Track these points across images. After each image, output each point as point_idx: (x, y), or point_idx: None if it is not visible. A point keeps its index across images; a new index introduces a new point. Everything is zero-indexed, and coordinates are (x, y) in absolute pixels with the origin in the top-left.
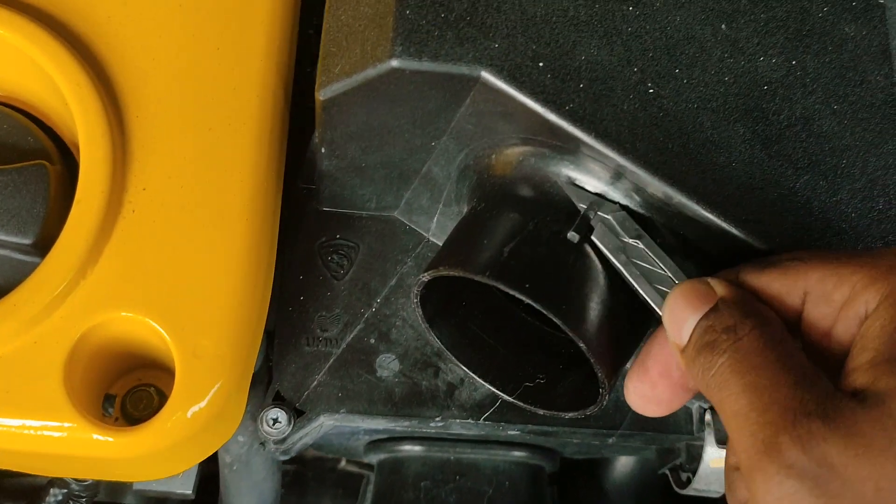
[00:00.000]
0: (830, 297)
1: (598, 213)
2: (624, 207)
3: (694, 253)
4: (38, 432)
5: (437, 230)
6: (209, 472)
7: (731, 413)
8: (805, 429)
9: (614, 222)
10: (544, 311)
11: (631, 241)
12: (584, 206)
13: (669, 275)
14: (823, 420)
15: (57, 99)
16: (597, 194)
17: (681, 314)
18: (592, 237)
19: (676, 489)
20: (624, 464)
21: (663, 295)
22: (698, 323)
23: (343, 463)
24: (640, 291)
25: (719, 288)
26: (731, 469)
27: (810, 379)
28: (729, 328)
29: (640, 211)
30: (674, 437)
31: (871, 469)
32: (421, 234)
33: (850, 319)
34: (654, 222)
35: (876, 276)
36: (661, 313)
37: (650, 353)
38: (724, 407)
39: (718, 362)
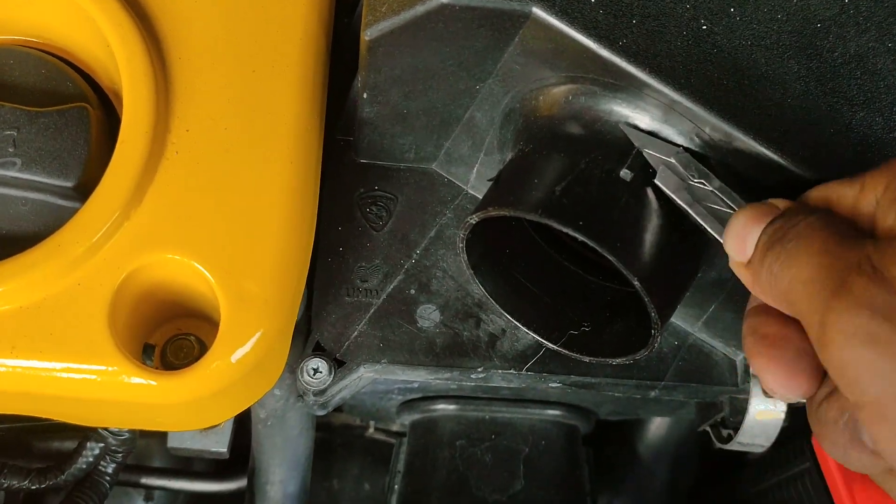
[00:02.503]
0: (875, 189)
1: (661, 155)
2: (687, 149)
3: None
4: (83, 376)
5: (476, 181)
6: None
7: (801, 283)
8: (868, 265)
9: (677, 164)
10: (598, 248)
11: (695, 181)
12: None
13: (733, 206)
14: (883, 253)
15: (97, 44)
16: (660, 137)
17: (744, 230)
18: (655, 180)
19: (718, 445)
20: (658, 426)
21: None
22: (763, 230)
23: (371, 430)
24: (708, 229)
25: (781, 203)
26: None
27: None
28: (793, 224)
29: (699, 150)
30: (718, 390)
31: None
32: (459, 186)
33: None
34: (712, 162)
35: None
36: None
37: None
38: (794, 285)
39: (787, 247)
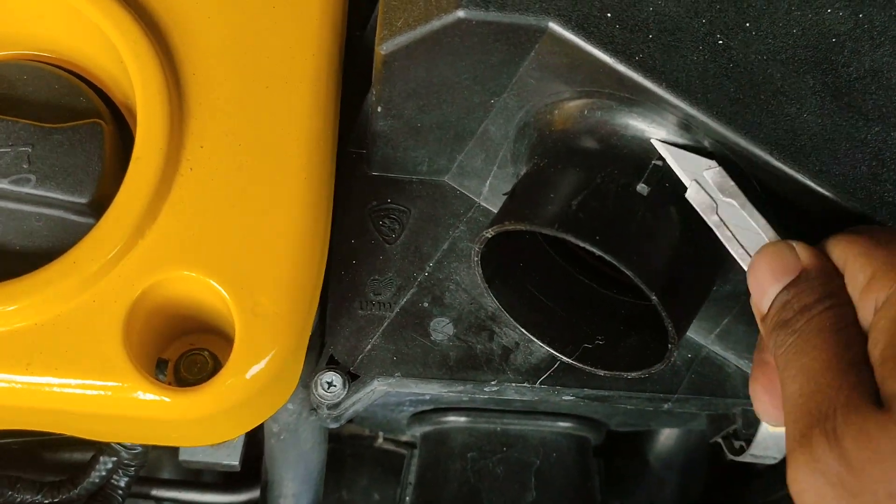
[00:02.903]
0: (856, 278)
1: (692, 169)
2: (721, 163)
3: (780, 209)
4: (97, 392)
5: (489, 194)
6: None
7: (785, 395)
8: (832, 424)
9: (709, 179)
10: (615, 262)
11: (725, 199)
12: (663, 160)
13: (761, 233)
14: (846, 418)
15: (111, 59)
16: (690, 147)
17: (763, 282)
18: (686, 195)
19: (730, 457)
20: (668, 436)
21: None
22: (778, 296)
23: (380, 441)
24: (734, 255)
25: (804, 255)
26: None
27: (856, 369)
28: (805, 307)
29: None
30: (730, 402)
31: (882, 473)
32: (472, 199)
33: (868, 305)
34: (748, 177)
35: (893, 265)
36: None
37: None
38: (783, 387)
39: (788, 341)
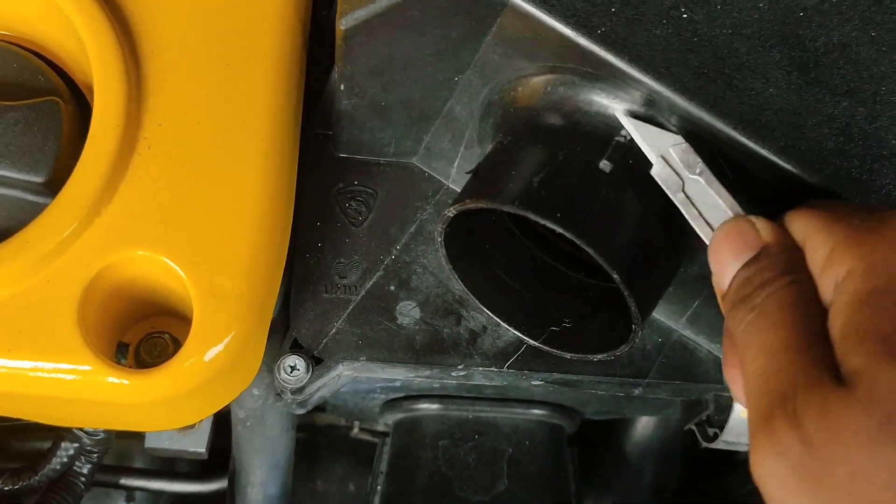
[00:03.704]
0: (816, 253)
1: (659, 145)
2: (688, 139)
3: (746, 185)
4: (53, 375)
5: (457, 176)
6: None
7: (747, 373)
8: (792, 406)
9: (675, 156)
10: (576, 240)
11: (692, 176)
12: (623, 133)
13: (728, 211)
14: (806, 397)
15: (69, 37)
16: (656, 123)
17: (723, 259)
18: (651, 172)
19: (704, 444)
20: (644, 425)
21: None
22: (738, 272)
23: (356, 430)
24: (698, 231)
25: (765, 231)
26: None
27: (817, 346)
28: (764, 283)
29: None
30: (702, 387)
31: (844, 453)
32: (440, 181)
33: (828, 281)
34: (715, 153)
35: (853, 240)
36: None
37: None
38: (744, 366)
39: (747, 319)
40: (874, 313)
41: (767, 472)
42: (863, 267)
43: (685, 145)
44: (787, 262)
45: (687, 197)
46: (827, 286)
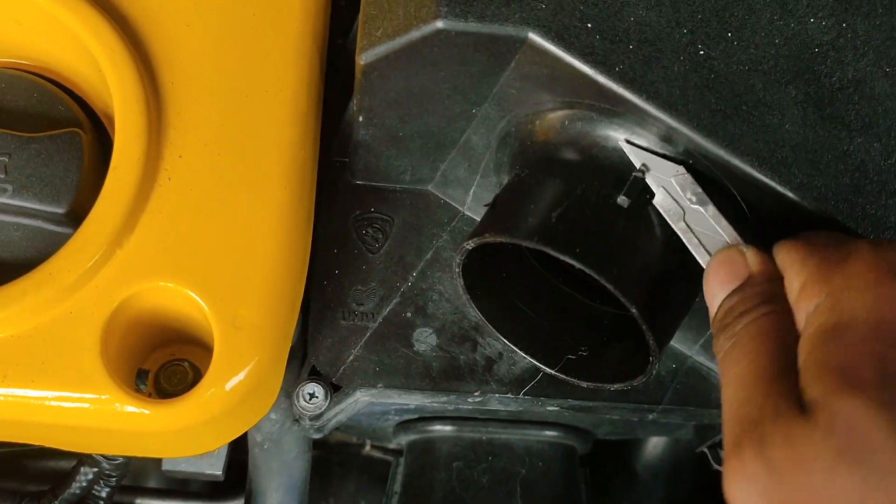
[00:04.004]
0: (792, 285)
1: (661, 175)
2: (689, 168)
3: (761, 220)
4: (75, 405)
5: (472, 203)
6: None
7: (723, 400)
8: (760, 433)
9: (676, 186)
10: (595, 276)
11: (693, 206)
12: (640, 168)
13: (727, 240)
14: (773, 425)
15: (89, 67)
16: (659, 153)
17: (711, 287)
18: (654, 202)
19: (716, 466)
20: (655, 445)
21: None
22: (722, 302)
23: (367, 448)
24: (699, 259)
25: (753, 261)
26: None
27: (787, 377)
28: (743, 313)
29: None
30: (716, 413)
31: (806, 479)
32: (456, 208)
33: (801, 312)
34: (717, 182)
35: (822, 273)
36: None
37: None
38: (721, 392)
39: (726, 347)
40: (835, 348)
41: (737, 497)
42: (827, 303)
43: (686, 175)
44: (767, 293)
45: (687, 226)
46: (801, 317)
